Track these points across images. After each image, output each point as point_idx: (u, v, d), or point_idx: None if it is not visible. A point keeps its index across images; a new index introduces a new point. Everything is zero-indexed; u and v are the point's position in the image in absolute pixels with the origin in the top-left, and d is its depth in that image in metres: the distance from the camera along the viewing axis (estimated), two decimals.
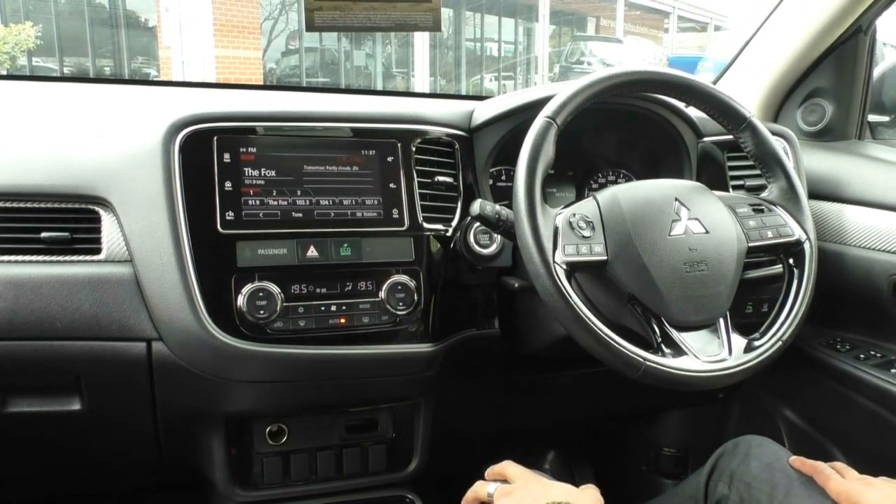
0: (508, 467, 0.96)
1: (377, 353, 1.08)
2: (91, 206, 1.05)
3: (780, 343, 1.00)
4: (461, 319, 1.19)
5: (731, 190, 1.31)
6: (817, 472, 0.95)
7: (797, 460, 0.99)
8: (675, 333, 0.96)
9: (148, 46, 11.80)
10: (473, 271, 1.16)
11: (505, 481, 0.94)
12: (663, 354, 0.95)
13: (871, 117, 1.66)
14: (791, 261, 1.07)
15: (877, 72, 1.66)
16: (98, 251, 1.03)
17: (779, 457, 1.01)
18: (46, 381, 1.07)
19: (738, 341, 0.99)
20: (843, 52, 1.53)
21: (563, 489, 0.89)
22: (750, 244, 1.04)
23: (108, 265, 1.03)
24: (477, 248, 1.12)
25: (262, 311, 1.00)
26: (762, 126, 1.10)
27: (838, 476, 0.93)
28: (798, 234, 1.07)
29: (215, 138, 1.04)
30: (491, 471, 0.97)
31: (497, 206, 1.02)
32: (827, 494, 0.92)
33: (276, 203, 1.06)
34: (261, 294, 1.00)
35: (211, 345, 0.99)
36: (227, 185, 1.03)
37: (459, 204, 1.17)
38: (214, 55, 10.79)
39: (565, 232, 0.96)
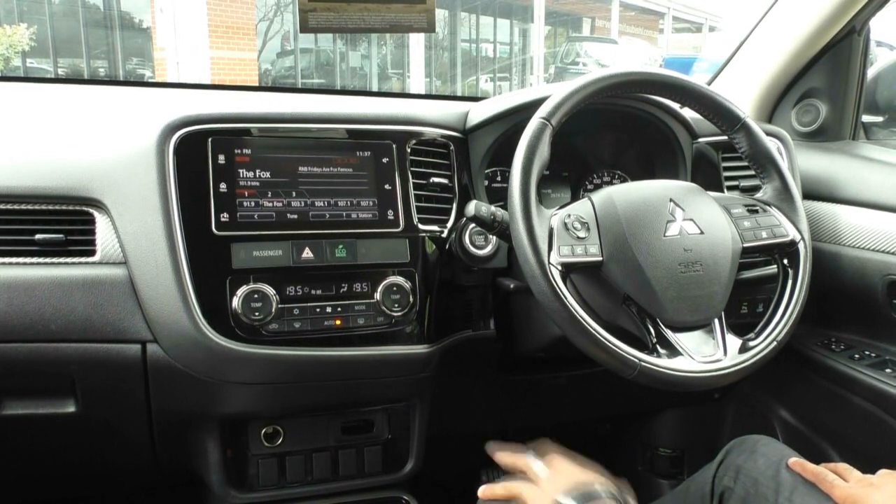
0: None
1: (373, 354, 1.08)
2: (85, 208, 1.04)
3: (774, 343, 1.00)
4: (457, 320, 1.19)
5: (725, 190, 1.31)
6: (820, 479, 0.95)
7: (797, 463, 0.99)
8: (670, 334, 0.96)
9: (142, 48, 11.77)
10: (469, 272, 1.16)
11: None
12: (658, 355, 0.95)
13: (866, 118, 1.66)
14: (785, 261, 1.08)
15: (871, 72, 1.67)
16: (92, 253, 1.03)
17: (785, 456, 1.02)
18: (41, 384, 1.07)
19: (733, 342, 1.00)
20: (837, 53, 1.54)
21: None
22: (745, 245, 1.04)
23: (103, 267, 1.03)
24: (472, 249, 1.12)
25: (257, 313, 1.00)
26: (756, 126, 1.10)
27: (842, 482, 0.93)
28: (792, 234, 1.07)
29: (210, 140, 1.04)
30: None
31: (492, 207, 1.02)
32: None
33: (271, 204, 1.05)
34: (256, 296, 1.00)
35: (206, 346, 0.99)
36: (222, 186, 1.03)
37: (454, 205, 1.17)
38: (209, 56, 10.77)
39: (560, 233, 0.96)
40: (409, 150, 1.14)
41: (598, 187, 1.39)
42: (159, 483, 1.39)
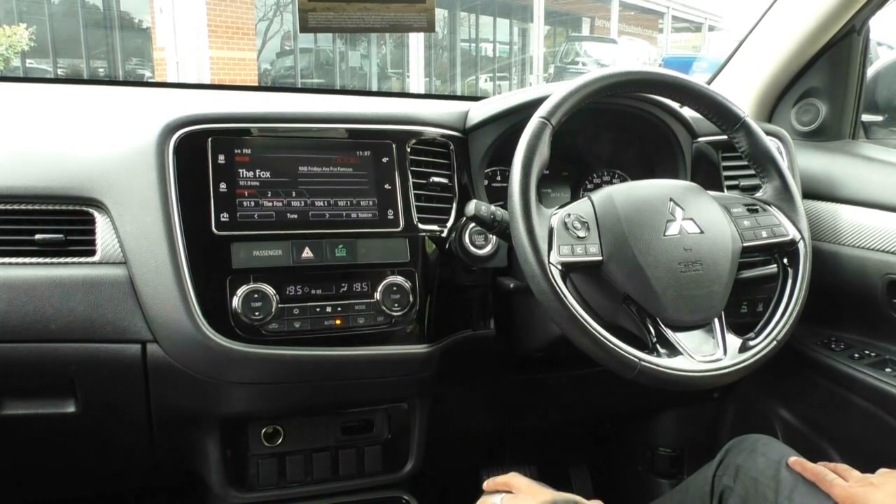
0: (513, 479, 0.96)
1: (372, 354, 1.08)
2: (85, 208, 1.04)
3: (774, 342, 1.01)
4: (457, 320, 1.19)
5: (725, 190, 1.31)
6: (819, 479, 0.95)
7: (797, 463, 0.99)
8: (670, 333, 0.96)
9: (142, 48, 11.77)
10: (469, 272, 1.16)
11: (508, 492, 0.94)
12: (658, 354, 0.95)
13: (865, 117, 1.66)
14: (785, 260, 1.08)
15: (870, 71, 1.67)
16: (92, 253, 1.03)
17: (785, 455, 1.02)
18: (41, 384, 1.07)
19: (733, 341, 1.00)
20: (836, 52, 1.54)
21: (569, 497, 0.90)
22: (744, 244, 1.04)
23: (103, 267, 1.02)
24: (472, 248, 1.12)
25: (257, 313, 1.00)
26: (756, 126, 1.10)
27: (841, 481, 0.94)
28: (792, 233, 1.07)
29: (210, 140, 1.04)
30: (493, 482, 0.98)
31: (492, 207, 1.02)
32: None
33: (270, 204, 1.05)
34: (256, 295, 1.00)
35: (206, 346, 0.99)
36: (222, 186, 1.03)
37: (454, 205, 1.17)
38: (209, 56, 10.76)
39: (560, 232, 0.96)
40: (408, 150, 1.14)
41: (597, 187, 1.39)
42: (159, 483, 1.39)
